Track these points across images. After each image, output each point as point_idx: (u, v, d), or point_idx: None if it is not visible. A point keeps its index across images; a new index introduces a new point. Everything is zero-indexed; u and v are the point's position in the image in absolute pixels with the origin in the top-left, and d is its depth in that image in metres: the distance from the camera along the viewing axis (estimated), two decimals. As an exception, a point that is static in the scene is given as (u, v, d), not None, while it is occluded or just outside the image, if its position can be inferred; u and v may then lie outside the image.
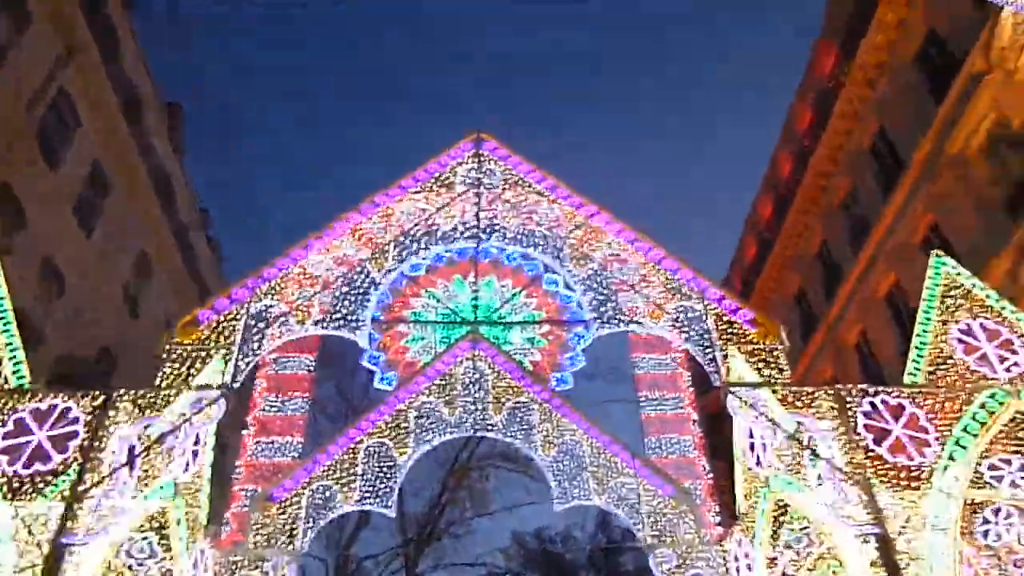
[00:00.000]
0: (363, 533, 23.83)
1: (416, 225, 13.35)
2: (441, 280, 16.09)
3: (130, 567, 10.31)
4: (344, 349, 22.12)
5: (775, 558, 11.21)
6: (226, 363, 10.10)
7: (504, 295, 15.88)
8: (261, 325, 10.91)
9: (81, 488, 8.01)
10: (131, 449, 8.72)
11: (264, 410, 13.81)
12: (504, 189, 13.43)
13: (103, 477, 8.16)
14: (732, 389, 10.10)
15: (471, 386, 14.23)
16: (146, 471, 9.23)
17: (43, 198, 20.89)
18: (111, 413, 8.76)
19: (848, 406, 9.11)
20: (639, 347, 15.06)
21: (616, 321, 12.64)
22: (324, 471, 13.09)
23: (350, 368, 24.16)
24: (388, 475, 13.23)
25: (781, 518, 10.96)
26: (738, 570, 11.93)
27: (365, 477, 13.16)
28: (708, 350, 10.94)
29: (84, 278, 23.05)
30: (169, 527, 10.38)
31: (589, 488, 13.26)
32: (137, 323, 25.83)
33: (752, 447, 11.20)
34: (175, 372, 9.82)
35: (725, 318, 11.04)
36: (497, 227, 13.43)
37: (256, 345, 10.80)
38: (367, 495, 13.05)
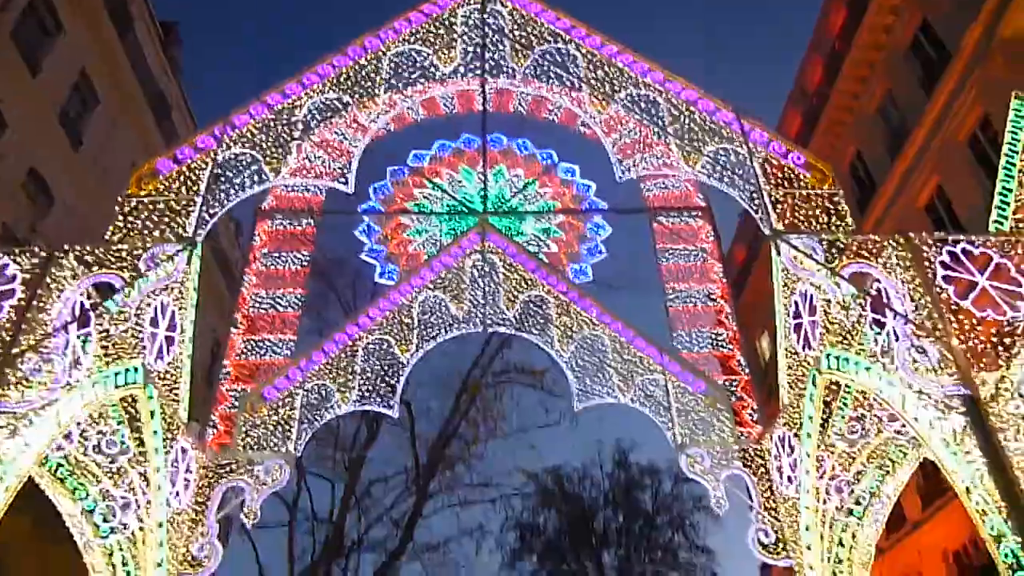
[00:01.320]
0: (371, 454, 23.06)
1: (410, 66, 11.66)
2: (447, 170, 14.70)
3: (99, 464, 9.20)
4: (344, 254, 20.86)
5: (822, 459, 9.94)
6: (188, 215, 8.80)
7: (516, 185, 14.48)
8: (230, 175, 9.54)
9: (15, 351, 6.80)
10: (78, 310, 7.49)
11: (254, 307, 12.59)
12: (512, 29, 11.77)
13: (42, 339, 6.95)
14: (786, 238, 8.65)
15: (481, 279, 12.93)
16: (105, 346, 8.00)
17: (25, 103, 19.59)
18: (54, 271, 7.50)
19: (924, 256, 7.65)
20: (664, 237, 13.63)
21: (644, 164, 11.15)
22: (320, 370, 11.90)
23: (351, 279, 22.70)
24: (390, 374, 12.04)
25: (832, 406, 9.64)
26: (780, 470, 10.68)
27: (365, 376, 11.98)
28: (755, 196, 9.44)
29: (79, 196, 21.86)
30: (142, 419, 9.23)
31: (613, 385, 12.00)
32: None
33: (799, 326, 9.83)
34: (129, 226, 8.53)
35: (774, 162, 9.54)
36: (505, 67, 11.82)
37: (224, 196, 9.46)
38: (367, 395, 11.89)
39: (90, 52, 23.35)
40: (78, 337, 7.35)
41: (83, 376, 7.51)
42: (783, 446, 10.53)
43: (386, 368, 12.00)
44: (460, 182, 14.44)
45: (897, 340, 7.15)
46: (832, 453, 9.79)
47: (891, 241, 7.89)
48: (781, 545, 10.57)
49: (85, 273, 7.66)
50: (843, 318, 8.22)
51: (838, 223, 8.70)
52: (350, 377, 11.87)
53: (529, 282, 12.80)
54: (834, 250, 8.28)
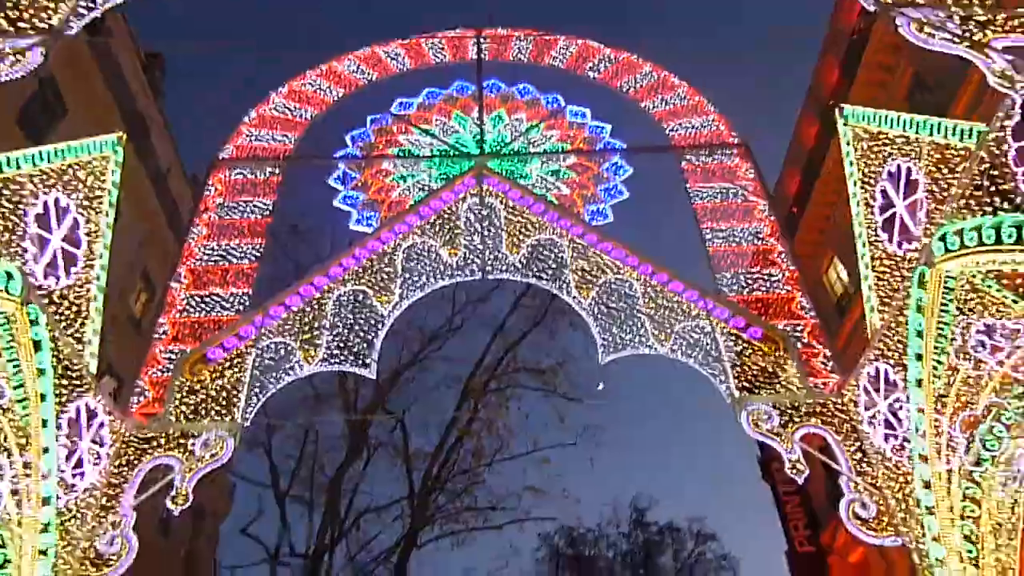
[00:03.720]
0: (363, 486, 20.16)
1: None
2: (437, 117, 12.64)
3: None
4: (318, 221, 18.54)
5: (940, 391, 7.35)
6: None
7: (517, 129, 12.38)
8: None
9: None
10: None
11: (202, 260, 10.31)
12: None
13: None
14: (897, 10, 6.29)
15: (478, 224, 10.67)
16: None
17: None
18: None
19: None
20: (695, 176, 11.42)
21: None
22: (279, 326, 9.53)
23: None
24: (366, 328, 9.65)
25: (950, 314, 7.16)
26: (874, 420, 8.13)
27: (335, 332, 9.59)
28: None
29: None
30: (19, 351, 6.81)
31: (646, 333, 9.56)
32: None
33: (890, 218, 7.52)
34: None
35: None
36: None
37: None
38: (337, 353, 9.47)
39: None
40: None
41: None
42: (877, 387, 8.02)
43: (361, 322, 9.62)
44: (453, 128, 12.37)
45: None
46: (953, 381, 7.25)
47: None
48: (885, 519, 7.93)
49: None
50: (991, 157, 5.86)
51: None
52: (316, 333, 9.48)
53: (536, 225, 10.55)
54: (972, 25, 6.01)
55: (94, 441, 7.93)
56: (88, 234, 7.86)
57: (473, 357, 20.82)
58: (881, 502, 7.97)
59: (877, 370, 8.02)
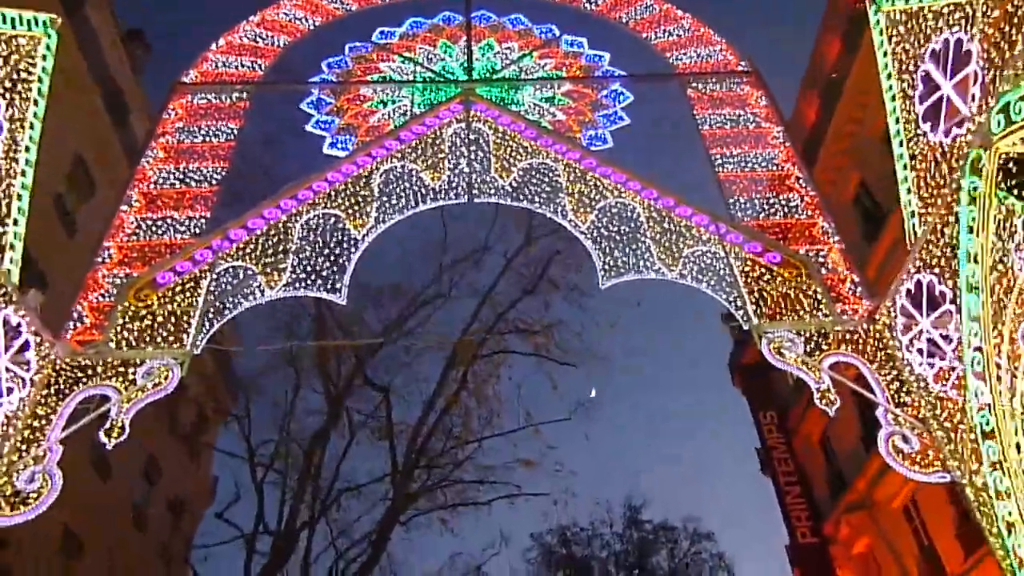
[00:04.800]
0: (345, 465, 18.92)
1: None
2: (422, 45, 11.63)
3: None
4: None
5: (1002, 304, 6.32)
6: None
7: (508, 57, 11.39)
8: None
9: None
10: None
11: (157, 183, 9.23)
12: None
13: None
14: None
15: (464, 148, 9.65)
16: None
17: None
18: None
19: None
20: (703, 104, 10.43)
21: None
22: (238, 250, 8.46)
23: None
24: (337, 252, 8.59)
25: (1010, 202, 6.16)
26: (915, 342, 7.12)
27: (301, 255, 8.52)
28: None
29: None
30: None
31: (651, 257, 8.52)
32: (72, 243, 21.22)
33: (935, 104, 6.54)
34: None
35: None
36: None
37: None
38: (304, 277, 8.40)
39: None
40: None
41: None
42: (920, 304, 7.01)
43: (332, 245, 8.56)
44: (438, 56, 11.35)
45: None
46: (1013, 284, 6.24)
47: None
48: (930, 452, 6.91)
49: None
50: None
51: None
52: (281, 257, 8.41)
53: (529, 150, 9.53)
54: None
55: (20, 363, 6.85)
56: (11, 120, 6.79)
57: (462, 326, 19.67)
58: (925, 433, 6.95)
59: (919, 284, 7.01)
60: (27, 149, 6.96)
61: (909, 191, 7.11)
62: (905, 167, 7.14)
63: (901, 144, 7.22)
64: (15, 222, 6.83)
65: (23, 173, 6.92)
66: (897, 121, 7.23)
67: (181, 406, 24.39)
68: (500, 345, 19.81)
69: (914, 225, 7.10)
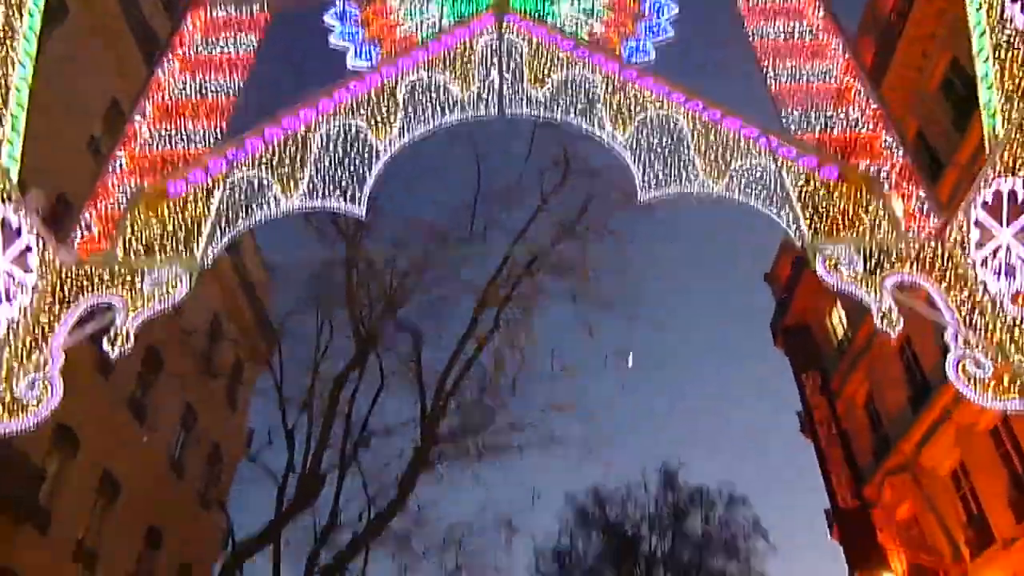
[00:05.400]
0: (376, 412, 18.69)
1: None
2: (452, -39, 10.91)
3: None
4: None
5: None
6: None
7: (545, -28, 10.61)
8: None
9: None
10: None
11: (173, 94, 8.78)
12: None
13: None
14: None
15: (495, 60, 9.01)
16: None
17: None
18: None
19: None
20: (755, 16, 9.61)
21: None
22: (254, 159, 8.00)
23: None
24: (357, 163, 8.08)
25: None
26: (990, 259, 6.38)
27: (319, 165, 8.03)
28: None
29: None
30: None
31: (696, 170, 7.84)
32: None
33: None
34: None
35: None
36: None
37: None
38: (321, 188, 7.92)
39: None
40: None
41: None
42: (999, 213, 6.26)
43: (353, 155, 8.05)
44: (469, -30, 10.65)
45: None
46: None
47: None
48: (1005, 378, 6.20)
49: None
50: None
51: None
52: (298, 167, 7.93)
53: (565, 60, 8.87)
54: None
55: (22, 266, 6.49)
56: (7, 5, 6.35)
57: (492, 263, 19.10)
58: (1000, 357, 6.24)
59: (998, 193, 6.25)
60: (26, 38, 6.53)
61: (990, 87, 6.30)
62: (986, 60, 6.33)
63: (983, 34, 6.40)
64: (13, 116, 6.42)
65: (21, 63, 6.50)
66: (979, 8, 6.40)
67: (217, 353, 24.51)
68: (534, 285, 19.23)
69: (995, 127, 6.31)
